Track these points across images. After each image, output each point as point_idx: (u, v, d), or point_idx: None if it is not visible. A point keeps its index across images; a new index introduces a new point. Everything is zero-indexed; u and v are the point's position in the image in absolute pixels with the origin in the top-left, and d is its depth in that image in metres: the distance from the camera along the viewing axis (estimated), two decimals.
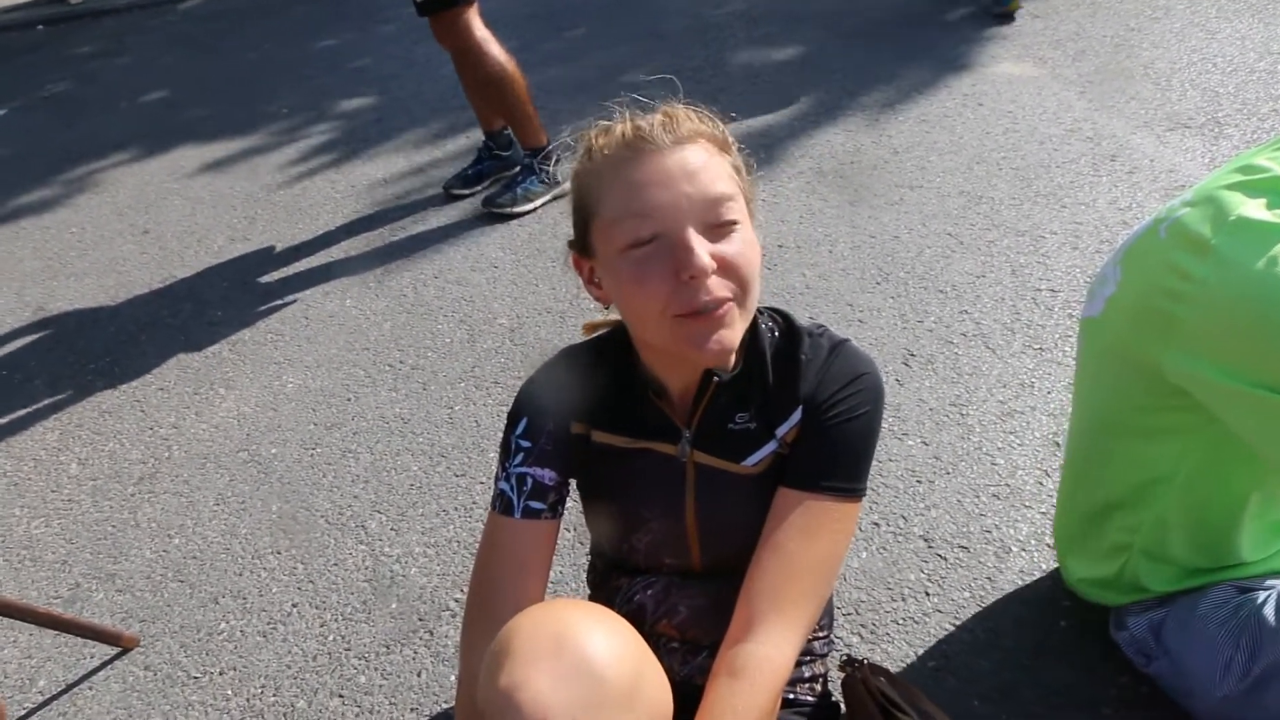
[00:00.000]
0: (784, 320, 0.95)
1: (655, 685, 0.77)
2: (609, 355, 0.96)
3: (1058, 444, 1.62)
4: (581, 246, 0.90)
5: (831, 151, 2.74)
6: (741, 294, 0.82)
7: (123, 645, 1.49)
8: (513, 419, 0.95)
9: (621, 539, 0.98)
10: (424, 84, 3.81)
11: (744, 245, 0.82)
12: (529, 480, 0.92)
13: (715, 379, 0.90)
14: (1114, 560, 1.14)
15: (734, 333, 0.82)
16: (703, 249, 0.79)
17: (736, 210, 0.83)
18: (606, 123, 0.88)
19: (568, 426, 0.94)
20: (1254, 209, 0.87)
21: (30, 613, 1.35)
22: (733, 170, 0.86)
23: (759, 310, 0.95)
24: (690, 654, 0.99)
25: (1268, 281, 0.83)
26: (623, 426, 0.95)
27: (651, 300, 0.81)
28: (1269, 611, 0.99)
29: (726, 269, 0.81)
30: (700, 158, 0.82)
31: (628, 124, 0.85)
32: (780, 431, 0.91)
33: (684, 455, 0.93)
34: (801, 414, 0.90)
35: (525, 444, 0.93)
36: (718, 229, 0.81)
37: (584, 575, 1.49)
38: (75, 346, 2.41)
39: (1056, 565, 1.37)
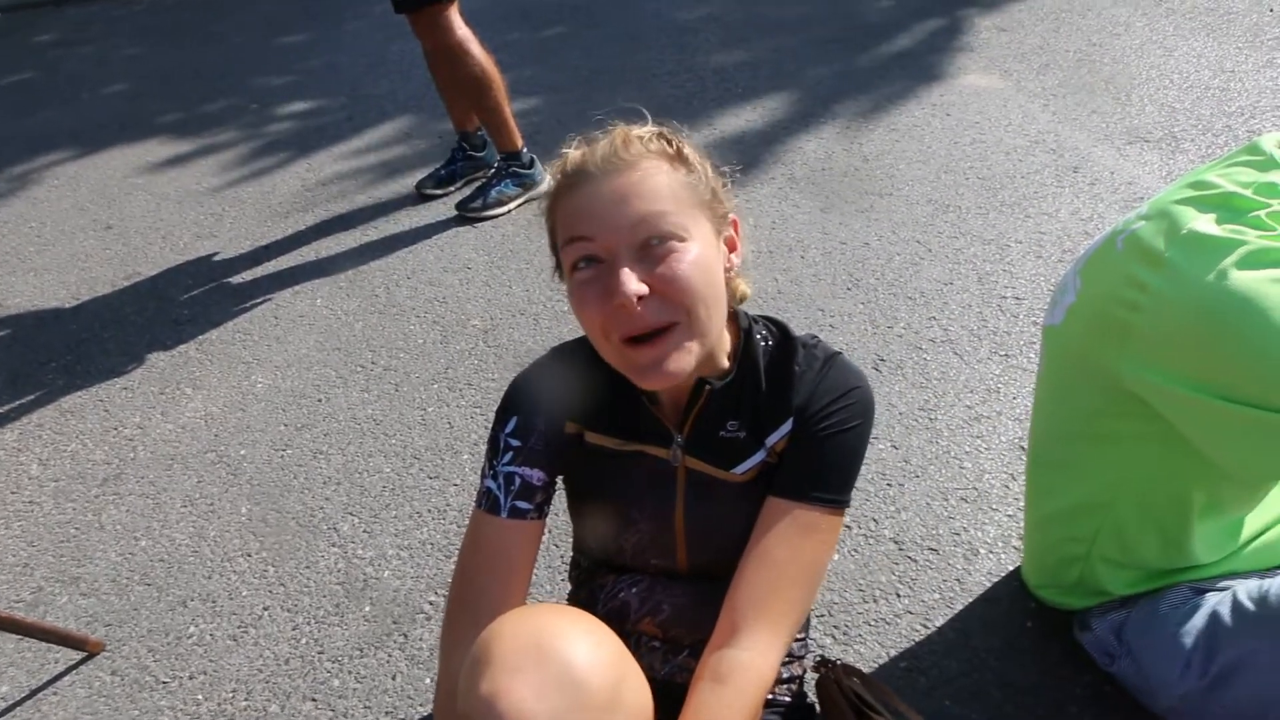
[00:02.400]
0: (779, 330, 0.97)
1: (636, 690, 0.78)
2: (601, 356, 0.96)
3: (1023, 448, 1.66)
4: (558, 267, 0.93)
5: (803, 158, 2.77)
6: (689, 315, 0.82)
7: (88, 650, 1.46)
8: (502, 416, 0.95)
9: (608, 538, 0.99)
10: (396, 82, 3.78)
11: (689, 264, 0.82)
12: (517, 479, 0.92)
13: (708, 386, 0.91)
14: (1071, 568, 1.18)
15: (681, 357, 0.82)
16: (630, 278, 0.80)
17: (679, 225, 0.82)
18: (567, 150, 0.89)
19: (560, 426, 0.95)
20: (1204, 224, 0.91)
21: None
22: (683, 186, 0.85)
23: (754, 319, 0.97)
24: (671, 653, 1.00)
25: (1217, 293, 0.87)
26: (615, 428, 0.96)
27: (592, 323, 0.84)
28: (1225, 611, 1.03)
29: (665, 291, 0.81)
30: (639, 181, 0.83)
31: (575, 153, 0.88)
32: (770, 441, 0.93)
33: (676, 460, 0.94)
34: (793, 425, 0.92)
35: (515, 442, 0.93)
36: (656, 249, 0.81)
37: (559, 577, 1.50)
38: (35, 344, 2.35)
39: (1022, 566, 1.41)
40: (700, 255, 0.83)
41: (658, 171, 0.84)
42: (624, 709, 0.74)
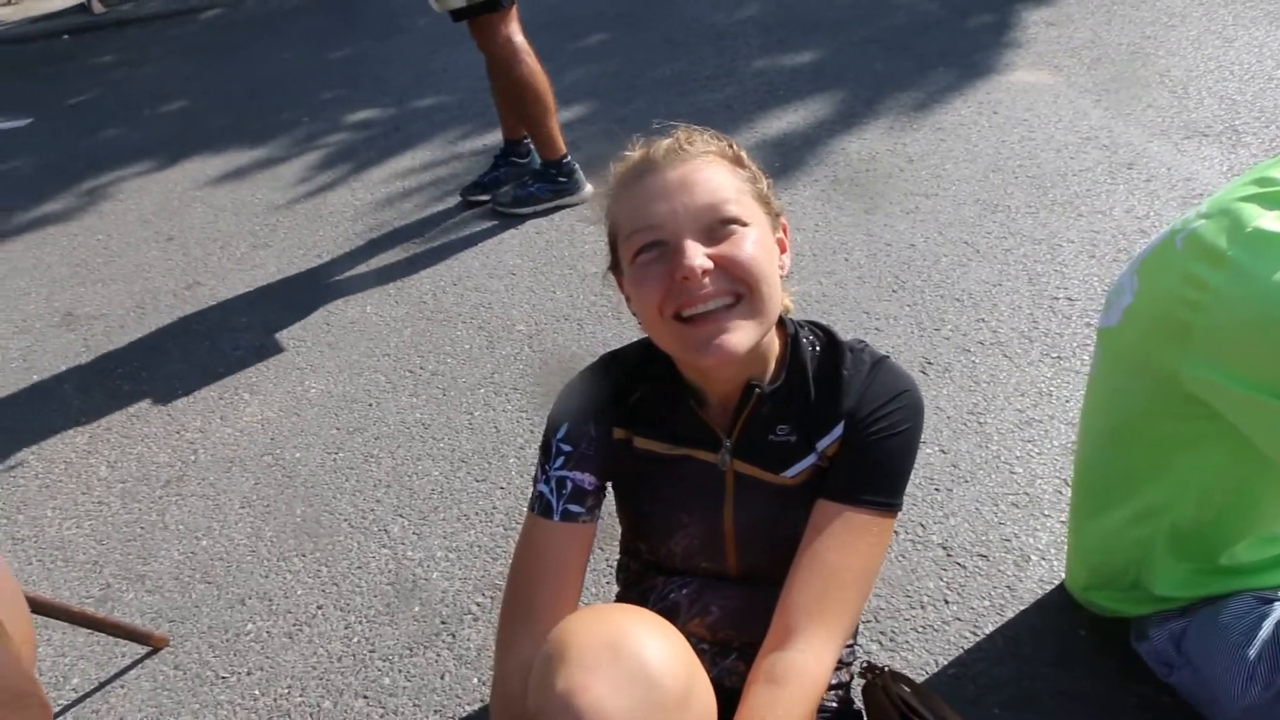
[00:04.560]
0: (825, 335, 0.97)
1: (705, 690, 0.79)
2: (651, 362, 0.97)
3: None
4: (615, 265, 0.95)
5: (847, 160, 2.75)
6: (748, 293, 0.84)
7: (153, 645, 1.52)
8: (554, 421, 0.97)
9: (658, 542, 1.00)
10: (442, 93, 3.85)
11: (752, 246, 0.85)
12: (569, 484, 0.94)
13: (756, 390, 0.91)
14: (1127, 571, 1.15)
15: (739, 336, 0.84)
16: (696, 250, 0.83)
17: (741, 212, 0.86)
18: (629, 153, 0.93)
19: (609, 432, 0.96)
20: (1270, 221, 0.88)
21: (64, 611, 1.38)
22: (743, 182, 0.89)
23: (800, 324, 0.98)
24: (720, 655, 1.00)
25: None
26: (664, 433, 0.97)
27: (650, 301, 0.85)
28: None
29: (728, 268, 0.84)
30: (702, 171, 0.87)
31: (638, 151, 0.92)
32: (821, 445, 0.93)
33: (724, 464, 0.95)
34: (843, 429, 0.92)
35: (566, 448, 0.95)
36: (720, 231, 0.85)
37: (603, 580, 1.51)
38: (103, 351, 2.46)
39: (1067, 570, 1.38)
40: (762, 238, 0.87)
41: (719, 165, 0.88)
42: (694, 709, 0.76)
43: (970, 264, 2.19)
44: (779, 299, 0.89)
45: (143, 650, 1.53)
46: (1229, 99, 2.71)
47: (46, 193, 3.55)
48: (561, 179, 2.74)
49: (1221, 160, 2.43)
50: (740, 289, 0.84)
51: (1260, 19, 3.17)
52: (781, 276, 0.91)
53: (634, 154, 0.91)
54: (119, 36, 5.73)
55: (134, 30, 5.81)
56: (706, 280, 0.82)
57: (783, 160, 2.80)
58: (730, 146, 0.92)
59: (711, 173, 0.87)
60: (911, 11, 3.79)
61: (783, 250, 0.94)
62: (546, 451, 0.96)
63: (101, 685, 1.49)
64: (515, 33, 2.48)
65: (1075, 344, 1.88)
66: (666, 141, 0.90)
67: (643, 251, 0.86)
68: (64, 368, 2.41)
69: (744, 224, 0.86)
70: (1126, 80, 2.93)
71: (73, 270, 2.92)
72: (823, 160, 2.77)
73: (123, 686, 1.49)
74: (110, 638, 1.53)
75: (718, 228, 0.85)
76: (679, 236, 0.84)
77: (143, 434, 2.11)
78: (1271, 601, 1.04)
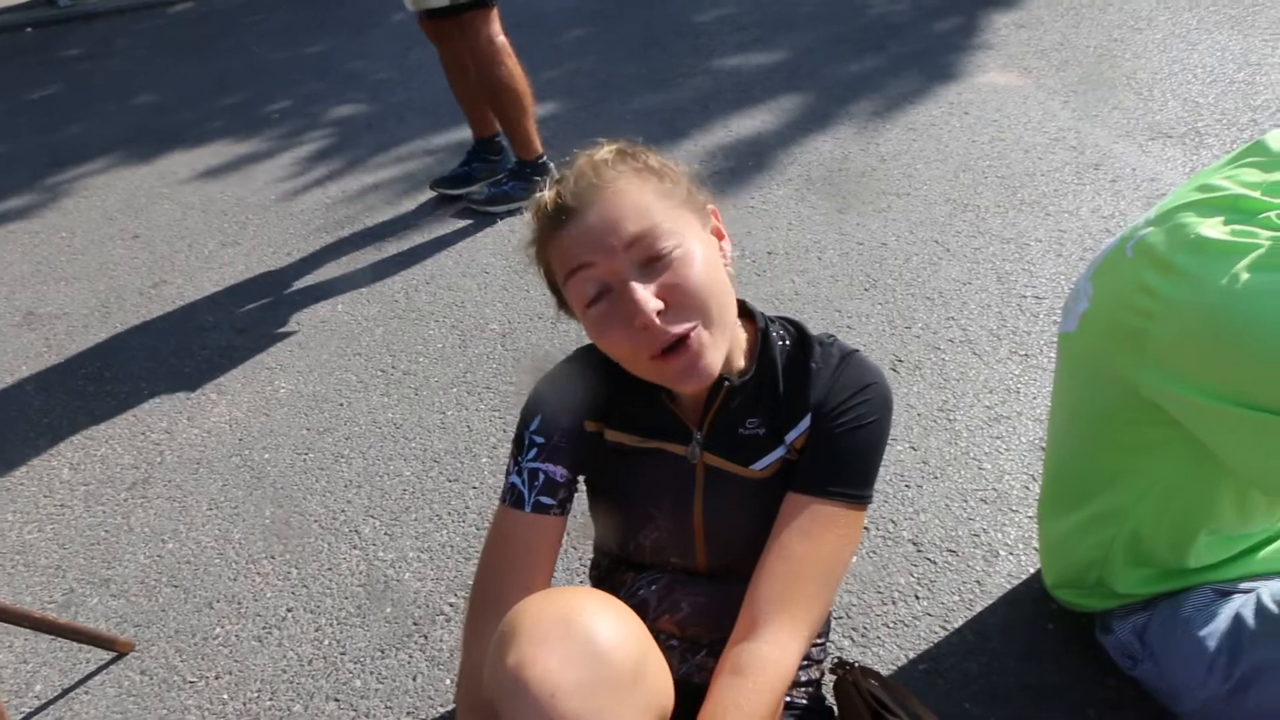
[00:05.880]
0: (796, 330, 0.98)
1: (657, 669, 0.80)
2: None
3: (1043, 449, 1.64)
4: (562, 304, 0.96)
5: (820, 159, 2.77)
6: (706, 314, 0.85)
7: (118, 650, 1.50)
8: (527, 414, 0.97)
9: (628, 536, 1.00)
10: (416, 90, 3.82)
11: (694, 267, 0.84)
12: (541, 476, 0.94)
13: (726, 384, 0.92)
14: (1090, 570, 1.17)
15: (711, 356, 0.85)
16: (646, 294, 0.82)
17: (671, 234, 0.85)
18: (539, 194, 0.91)
19: (581, 424, 0.97)
20: (1211, 228, 0.89)
21: (26, 617, 1.35)
22: (662, 194, 0.87)
23: (771, 319, 0.98)
24: (689, 652, 1.00)
25: (1230, 298, 0.85)
26: (635, 426, 0.97)
27: (620, 349, 0.86)
28: (1248, 614, 1.02)
29: (679, 298, 0.84)
30: (618, 200, 0.85)
31: (550, 193, 0.89)
32: (789, 438, 0.94)
33: (694, 457, 0.96)
34: (810, 421, 0.93)
35: (539, 440, 0.95)
36: (656, 263, 0.84)
37: (578, 579, 1.51)
38: (65, 351, 2.41)
39: (1041, 568, 1.40)
40: (699, 255, 0.86)
41: (633, 188, 0.87)
42: (645, 686, 0.76)
43: (941, 263, 2.21)
44: (734, 303, 0.90)
45: (108, 656, 1.50)
46: (1192, 101, 2.76)
47: (7, 188, 3.46)
48: (537, 178, 2.72)
49: (1184, 161, 2.48)
50: (696, 316, 0.84)
51: (1223, 23, 3.24)
52: (725, 267, 0.91)
53: (546, 196, 0.90)
54: (85, 30, 5.61)
55: (100, 23, 5.69)
56: (661, 321, 0.83)
57: (756, 158, 2.81)
58: (637, 157, 0.90)
59: (628, 200, 0.85)
60: (884, 12, 3.82)
61: (720, 238, 0.94)
62: (519, 443, 0.96)
63: (65, 692, 1.46)
64: (497, 33, 2.47)
65: (1042, 342, 1.91)
66: (572, 178, 0.88)
67: (593, 304, 0.86)
68: (25, 368, 2.36)
69: (678, 245, 0.85)
70: (1094, 82, 2.98)
71: (34, 268, 2.86)
72: (796, 159, 2.79)
73: (87, 693, 1.46)
74: (74, 644, 1.50)
75: (655, 259, 0.84)
76: (622, 281, 0.84)
77: (106, 435, 2.07)
78: (1229, 594, 1.06)
